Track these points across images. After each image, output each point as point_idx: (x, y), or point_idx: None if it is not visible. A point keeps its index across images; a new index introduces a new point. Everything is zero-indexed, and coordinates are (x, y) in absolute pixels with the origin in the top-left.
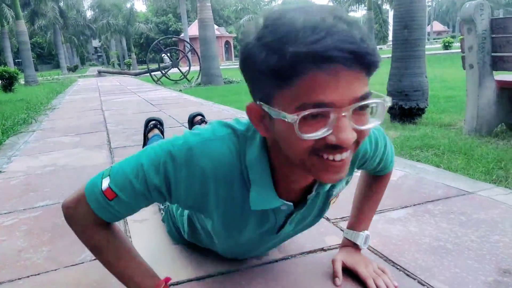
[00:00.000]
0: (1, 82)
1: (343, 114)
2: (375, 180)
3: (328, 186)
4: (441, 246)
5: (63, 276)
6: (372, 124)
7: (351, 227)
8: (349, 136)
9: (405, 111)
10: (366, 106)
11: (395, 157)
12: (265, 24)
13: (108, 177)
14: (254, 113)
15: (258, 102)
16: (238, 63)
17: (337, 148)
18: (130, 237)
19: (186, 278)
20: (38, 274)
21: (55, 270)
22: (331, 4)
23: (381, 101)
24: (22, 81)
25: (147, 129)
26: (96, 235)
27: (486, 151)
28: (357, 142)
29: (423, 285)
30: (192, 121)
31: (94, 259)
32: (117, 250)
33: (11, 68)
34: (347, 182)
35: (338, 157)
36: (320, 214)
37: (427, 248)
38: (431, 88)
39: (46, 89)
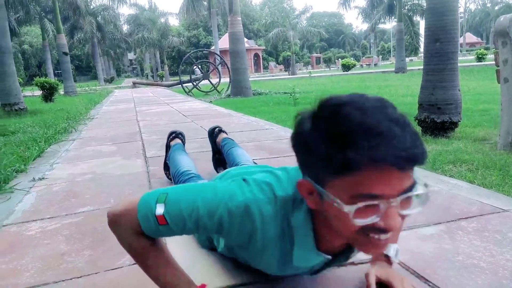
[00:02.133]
0: (43, 93)
1: (393, 204)
2: None
3: None
4: (474, 264)
5: (103, 280)
6: (416, 209)
7: None
8: (396, 223)
9: (437, 125)
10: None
11: (427, 171)
12: (321, 114)
13: (164, 205)
14: (304, 188)
15: (309, 180)
16: (267, 74)
17: (384, 231)
18: (166, 243)
19: (219, 285)
20: (80, 277)
21: (96, 273)
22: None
23: (425, 192)
24: (61, 92)
25: (168, 139)
26: (138, 243)
27: None
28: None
29: None
30: (212, 134)
31: (133, 264)
32: (157, 257)
33: (52, 79)
34: None
35: (383, 237)
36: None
37: (460, 266)
38: (465, 101)
39: (85, 99)
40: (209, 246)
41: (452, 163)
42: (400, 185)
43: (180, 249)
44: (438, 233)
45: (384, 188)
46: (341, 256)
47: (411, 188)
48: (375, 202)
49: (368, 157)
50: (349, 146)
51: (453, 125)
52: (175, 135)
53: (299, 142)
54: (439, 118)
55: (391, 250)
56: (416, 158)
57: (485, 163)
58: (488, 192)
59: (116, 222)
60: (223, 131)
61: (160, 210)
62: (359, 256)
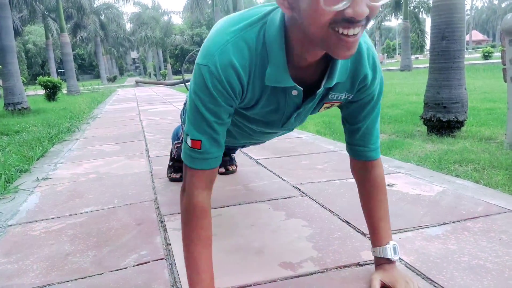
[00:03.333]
0: (46, 92)
1: None
2: (369, 175)
3: (334, 82)
4: (480, 265)
5: (108, 280)
6: (383, 1)
7: (375, 244)
8: (364, 9)
9: (443, 124)
10: None
11: (433, 171)
12: None
13: (187, 135)
14: None
15: None
16: None
17: (352, 22)
18: (170, 244)
19: (224, 286)
20: (85, 277)
21: (101, 274)
22: None
23: None
24: (64, 91)
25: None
26: (196, 200)
27: None
28: (367, 19)
29: None
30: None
31: (138, 264)
32: (202, 227)
33: (55, 78)
34: (346, 98)
35: (351, 31)
36: (310, 113)
37: (466, 267)
38: (471, 100)
39: (88, 98)
40: None
41: (458, 163)
42: None
43: None
44: (443, 233)
45: None
46: (309, 99)
47: None
48: None
49: None
50: None
51: (459, 124)
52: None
53: None
54: (445, 117)
55: (387, 251)
56: None
57: (491, 162)
58: (494, 192)
59: (182, 195)
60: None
61: (188, 141)
62: (364, 256)
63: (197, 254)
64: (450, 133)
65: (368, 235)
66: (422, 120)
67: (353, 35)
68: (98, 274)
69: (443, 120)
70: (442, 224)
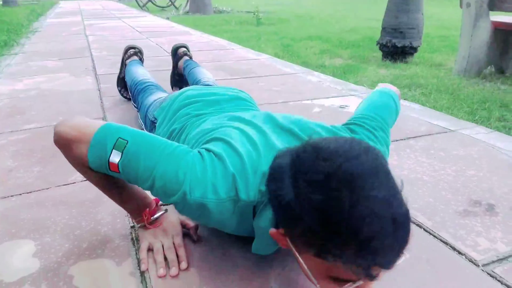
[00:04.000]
0: None
1: (360, 283)
2: None
3: None
4: (418, 178)
5: (55, 195)
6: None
7: None
8: None
9: (398, 49)
10: None
11: None
12: (306, 178)
13: (121, 154)
14: (277, 236)
15: (284, 235)
16: None
17: None
18: None
19: None
20: (30, 192)
21: (47, 188)
22: None
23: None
24: None
25: (126, 55)
26: (86, 172)
27: (473, 92)
28: None
29: None
30: (175, 53)
31: (86, 180)
32: (107, 183)
33: None
34: None
35: None
36: None
37: (405, 179)
38: (426, 26)
39: (26, 10)
40: None
41: (407, 87)
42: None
43: None
44: None
45: (357, 276)
46: None
47: None
48: (354, 285)
49: (353, 262)
50: (335, 241)
51: (413, 50)
52: (133, 52)
53: (276, 194)
54: (400, 43)
55: None
56: (390, 267)
57: (438, 87)
58: (438, 114)
59: (66, 146)
60: (188, 55)
61: (115, 158)
62: None
63: (117, 191)
64: (403, 59)
65: None
66: (378, 45)
67: None
68: (44, 189)
69: (398, 45)
70: None
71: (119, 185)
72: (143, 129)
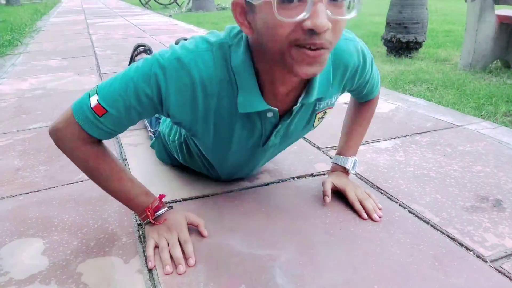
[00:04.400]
0: None
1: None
2: (362, 106)
3: (313, 98)
4: (424, 174)
5: (62, 193)
6: (348, 16)
7: (340, 153)
8: (324, 21)
9: (402, 45)
10: None
11: (388, 90)
12: None
13: (96, 94)
14: (239, 9)
15: None
16: None
17: (313, 34)
18: (126, 159)
19: (180, 197)
20: (37, 191)
21: (54, 187)
22: None
23: None
24: (3, 1)
25: (135, 52)
26: (88, 154)
27: (479, 86)
28: (330, 43)
29: (404, 207)
30: (135, 49)
31: None
32: (110, 169)
33: None
34: (335, 100)
35: (313, 46)
36: (306, 128)
37: (411, 176)
38: (431, 21)
39: (30, 9)
40: (170, 162)
41: (412, 83)
42: None
43: (140, 165)
44: (393, 146)
45: None
46: (287, 116)
47: None
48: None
49: None
50: None
51: (417, 45)
52: (142, 49)
53: None
54: (404, 38)
55: (348, 162)
56: None
57: (444, 82)
58: (444, 109)
59: (60, 136)
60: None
61: (94, 100)
62: (318, 168)
63: (119, 186)
64: (408, 54)
65: (324, 149)
66: (383, 40)
67: (316, 49)
68: (51, 188)
69: (403, 41)
70: (392, 138)
71: (121, 175)
72: (146, 125)
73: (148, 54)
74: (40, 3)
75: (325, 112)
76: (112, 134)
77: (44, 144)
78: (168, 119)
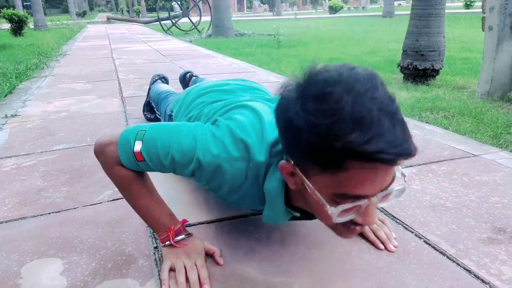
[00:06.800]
0: (11, 26)
1: (373, 201)
2: None
3: None
4: (441, 204)
5: (82, 214)
6: (392, 200)
7: None
8: (373, 219)
9: (419, 72)
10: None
11: (405, 118)
12: (308, 92)
13: (141, 142)
14: (286, 170)
15: (293, 165)
16: (250, 14)
17: (361, 225)
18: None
19: (196, 221)
20: (59, 211)
21: (75, 208)
22: None
23: (403, 187)
24: (31, 25)
25: (151, 81)
26: (121, 173)
27: (497, 115)
28: None
29: (420, 238)
30: (184, 80)
31: (112, 200)
32: (140, 189)
33: (20, 11)
34: None
35: (359, 228)
36: None
37: (427, 205)
38: (448, 48)
39: (56, 34)
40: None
41: (429, 110)
42: (384, 182)
43: (163, 183)
44: (409, 175)
45: (370, 188)
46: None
47: (391, 182)
48: (359, 203)
49: (360, 151)
50: (339, 137)
51: (434, 72)
52: (158, 78)
53: (284, 120)
54: (421, 65)
55: None
56: (409, 152)
57: (461, 110)
58: (461, 138)
59: (101, 152)
60: (195, 76)
61: (138, 147)
62: None
63: (146, 204)
64: (425, 81)
65: None
66: (399, 68)
67: (361, 227)
68: (72, 209)
69: (420, 68)
70: (408, 167)
71: (149, 196)
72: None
73: (163, 82)
74: (66, 27)
75: None
76: (143, 171)
77: (66, 165)
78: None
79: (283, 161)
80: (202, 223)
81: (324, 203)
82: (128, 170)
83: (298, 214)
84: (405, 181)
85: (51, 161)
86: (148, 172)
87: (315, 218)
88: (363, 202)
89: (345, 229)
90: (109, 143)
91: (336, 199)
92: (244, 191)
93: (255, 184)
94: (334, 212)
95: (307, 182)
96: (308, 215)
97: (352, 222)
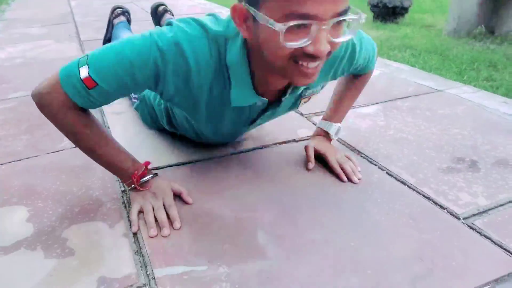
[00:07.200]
0: None
1: (324, 27)
2: (356, 78)
3: (301, 89)
4: (403, 137)
5: (45, 162)
6: (346, 37)
7: (326, 118)
8: (325, 48)
9: (389, 10)
10: (344, 20)
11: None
12: None
13: (87, 66)
14: (238, 14)
15: (244, 4)
16: None
17: (313, 57)
18: (109, 127)
19: (165, 164)
20: (20, 160)
21: (36, 156)
22: None
23: (357, 17)
24: None
25: (112, 15)
26: (74, 120)
27: (462, 52)
28: (329, 53)
29: (382, 170)
30: (155, 13)
31: (75, 147)
32: (95, 135)
33: None
34: (322, 87)
35: (311, 65)
36: (289, 110)
37: (390, 139)
38: None
39: None
40: (155, 126)
41: (397, 48)
42: (333, 5)
43: (124, 132)
44: (375, 111)
45: (318, 7)
46: (275, 103)
47: (344, 12)
48: (307, 21)
49: None
50: None
51: (403, 10)
52: (120, 11)
53: None
54: (390, 3)
55: (332, 128)
56: None
57: (428, 48)
58: (426, 74)
59: (44, 102)
60: (169, 11)
61: (84, 72)
62: (300, 134)
63: (106, 152)
64: (394, 20)
65: (307, 115)
66: (369, 6)
67: (313, 67)
68: (33, 156)
69: (389, 6)
70: (374, 104)
71: (108, 143)
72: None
73: (127, 17)
74: None
75: (310, 97)
76: (99, 105)
77: (25, 113)
78: None
79: (235, 3)
80: (170, 165)
81: (273, 24)
82: (79, 115)
83: (265, 100)
84: (358, 14)
85: (9, 110)
86: (109, 122)
87: (281, 104)
88: (313, 24)
89: (297, 68)
90: (50, 88)
91: (286, 19)
92: (210, 83)
93: (220, 70)
94: (282, 29)
95: (258, 12)
96: (274, 103)
97: (304, 57)
